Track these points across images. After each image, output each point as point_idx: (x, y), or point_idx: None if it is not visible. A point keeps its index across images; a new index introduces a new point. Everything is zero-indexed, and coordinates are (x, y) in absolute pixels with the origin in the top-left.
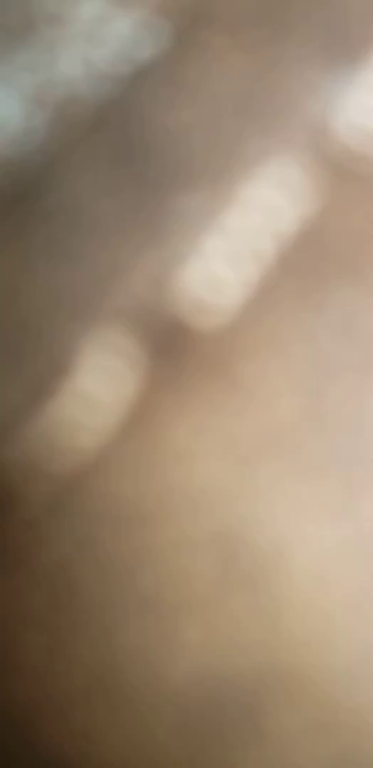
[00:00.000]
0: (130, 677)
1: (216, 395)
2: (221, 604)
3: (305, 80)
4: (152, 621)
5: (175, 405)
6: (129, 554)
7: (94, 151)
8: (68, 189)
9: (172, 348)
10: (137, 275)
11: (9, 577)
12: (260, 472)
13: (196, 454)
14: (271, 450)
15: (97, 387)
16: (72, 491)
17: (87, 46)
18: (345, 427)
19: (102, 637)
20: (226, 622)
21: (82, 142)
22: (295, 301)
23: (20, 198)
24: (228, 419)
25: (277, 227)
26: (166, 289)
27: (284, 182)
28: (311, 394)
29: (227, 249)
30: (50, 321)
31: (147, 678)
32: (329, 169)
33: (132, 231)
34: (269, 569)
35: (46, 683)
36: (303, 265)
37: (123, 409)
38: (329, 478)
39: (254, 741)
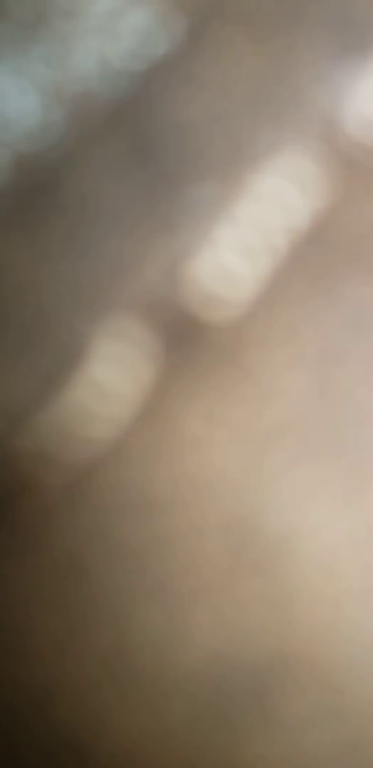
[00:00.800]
0: (140, 663)
1: (227, 384)
2: (230, 592)
3: (317, 71)
4: (162, 607)
5: (186, 394)
6: (139, 542)
7: (109, 146)
8: (84, 183)
9: (185, 338)
10: (151, 266)
11: (22, 563)
12: (269, 461)
13: (206, 442)
14: (281, 439)
15: (110, 376)
16: (85, 480)
17: (102, 41)
18: (354, 416)
19: (113, 623)
20: (235, 609)
21: (98, 136)
22: (306, 291)
23: (38, 191)
24: (239, 408)
25: (288, 218)
26: (179, 280)
27: (296, 173)
28: (321, 383)
29: (239, 240)
30: (65, 311)
31: (157, 663)
32: (340, 159)
33: (146, 223)
34: (278, 557)
35: (59, 667)
36: (314, 257)
37: (135, 398)
38: (338, 466)
39: (261, 726)
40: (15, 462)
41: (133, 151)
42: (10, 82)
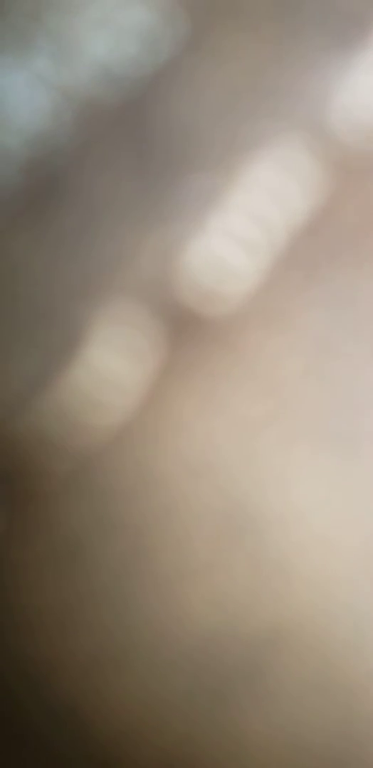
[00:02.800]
0: (141, 637)
1: (224, 371)
2: (226, 571)
3: (312, 63)
4: (162, 584)
5: (184, 380)
6: (138, 525)
7: (112, 144)
8: (88, 179)
9: (184, 326)
10: (150, 256)
11: (24, 546)
12: (265, 445)
13: (204, 428)
14: (276, 424)
15: (110, 363)
16: (85, 465)
17: (105, 42)
18: (349, 403)
19: (112, 602)
20: (230, 588)
21: (101, 135)
22: (302, 281)
23: (45, 189)
24: (235, 394)
25: (285, 209)
26: (178, 270)
27: (292, 165)
28: (316, 371)
29: (237, 231)
30: (67, 300)
31: (154, 641)
32: (336, 151)
33: (146, 214)
34: (274, 536)
35: (62, 644)
36: (310, 247)
37: (134, 384)
38: (332, 449)
39: (258, 700)
40: (16, 448)
41: (134, 147)
42: (16, 85)
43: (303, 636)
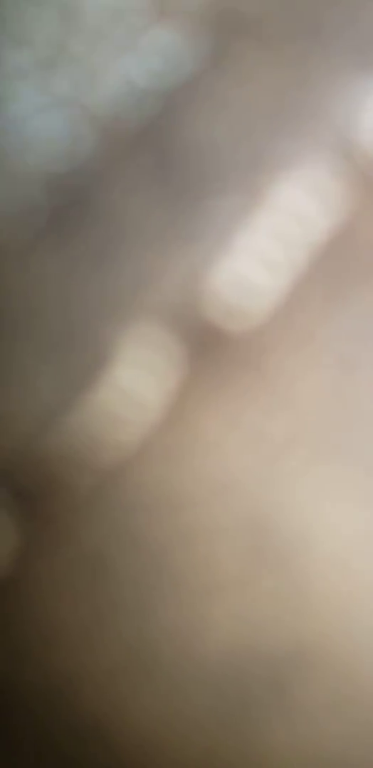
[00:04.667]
0: (164, 653)
1: (247, 390)
2: (250, 586)
3: (336, 86)
4: (185, 600)
5: (207, 399)
6: (161, 540)
7: (135, 163)
8: (111, 199)
9: (206, 345)
10: (174, 276)
11: (52, 559)
12: (286, 463)
13: (226, 445)
14: (299, 442)
15: (135, 382)
16: (111, 481)
17: (127, 61)
18: (369, 420)
19: (138, 615)
20: (252, 604)
21: (125, 155)
22: (323, 301)
23: (70, 209)
24: (257, 413)
25: (307, 230)
26: (201, 290)
27: (314, 186)
28: (336, 389)
29: (259, 251)
30: (93, 319)
31: (178, 655)
32: (357, 172)
33: (169, 234)
34: (295, 554)
35: (87, 655)
36: (333, 268)
37: (159, 403)
38: (354, 468)
39: (279, 715)
40: (45, 463)
41: (157, 166)
42: (39, 104)
43: (324, 653)
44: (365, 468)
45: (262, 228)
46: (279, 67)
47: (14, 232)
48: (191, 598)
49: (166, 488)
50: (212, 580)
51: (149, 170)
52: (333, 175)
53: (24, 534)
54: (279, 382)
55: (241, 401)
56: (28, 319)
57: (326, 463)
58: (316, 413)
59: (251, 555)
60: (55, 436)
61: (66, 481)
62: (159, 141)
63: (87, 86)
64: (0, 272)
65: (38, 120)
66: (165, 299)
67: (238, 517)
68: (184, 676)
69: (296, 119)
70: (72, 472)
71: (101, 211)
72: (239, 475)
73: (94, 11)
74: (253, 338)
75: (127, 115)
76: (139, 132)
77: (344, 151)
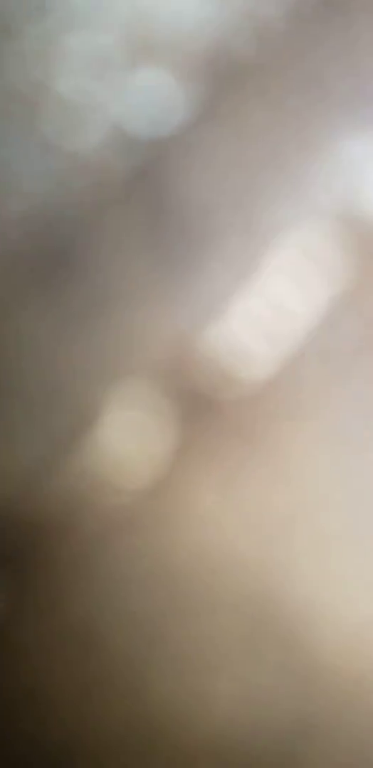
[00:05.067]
0: (160, 728)
1: (240, 460)
2: (254, 660)
3: (336, 148)
4: (183, 674)
5: (199, 467)
6: (157, 611)
7: (124, 215)
8: (99, 252)
9: (199, 411)
10: (165, 339)
11: (38, 630)
12: (288, 541)
13: (219, 518)
14: (299, 519)
15: (124, 446)
16: (97, 549)
17: (117, 110)
18: (369, 496)
19: (129, 690)
20: (255, 680)
21: (113, 206)
22: (320, 371)
23: (56, 266)
24: (251, 486)
25: (304, 298)
26: (192, 354)
27: (313, 253)
28: (334, 463)
29: (254, 316)
30: (79, 379)
31: (177, 729)
32: (356, 238)
33: (161, 295)
34: (300, 629)
35: (79, 728)
36: (331, 336)
37: (150, 468)
38: (356, 549)
39: None
40: (28, 528)
41: (147, 220)
42: (23, 151)
43: (333, 726)
44: (365, 550)
45: (257, 294)
46: (278, 123)
47: None
48: (192, 671)
49: (159, 560)
50: (209, 656)
51: (138, 223)
52: (332, 242)
53: (7, 601)
54: (275, 456)
55: (236, 474)
56: (10, 379)
57: (328, 542)
58: (316, 490)
59: (254, 629)
60: (39, 500)
61: (51, 548)
62: (149, 193)
63: (73, 131)
64: None
65: (20, 165)
66: (154, 361)
67: (231, 593)
68: (185, 750)
69: (294, 182)
70: (54, 541)
71: (86, 262)
72: (232, 549)
73: (81, 51)
74: (246, 407)
75: (116, 160)
76: (129, 181)
77: (343, 218)
